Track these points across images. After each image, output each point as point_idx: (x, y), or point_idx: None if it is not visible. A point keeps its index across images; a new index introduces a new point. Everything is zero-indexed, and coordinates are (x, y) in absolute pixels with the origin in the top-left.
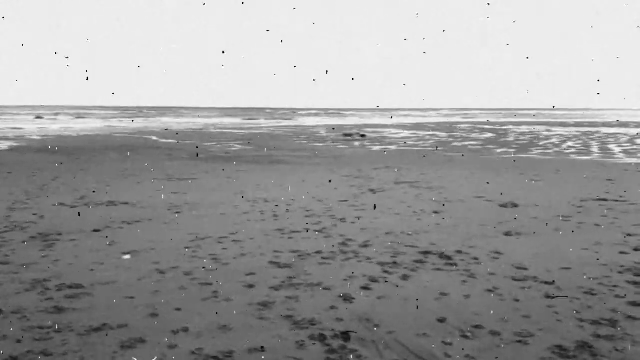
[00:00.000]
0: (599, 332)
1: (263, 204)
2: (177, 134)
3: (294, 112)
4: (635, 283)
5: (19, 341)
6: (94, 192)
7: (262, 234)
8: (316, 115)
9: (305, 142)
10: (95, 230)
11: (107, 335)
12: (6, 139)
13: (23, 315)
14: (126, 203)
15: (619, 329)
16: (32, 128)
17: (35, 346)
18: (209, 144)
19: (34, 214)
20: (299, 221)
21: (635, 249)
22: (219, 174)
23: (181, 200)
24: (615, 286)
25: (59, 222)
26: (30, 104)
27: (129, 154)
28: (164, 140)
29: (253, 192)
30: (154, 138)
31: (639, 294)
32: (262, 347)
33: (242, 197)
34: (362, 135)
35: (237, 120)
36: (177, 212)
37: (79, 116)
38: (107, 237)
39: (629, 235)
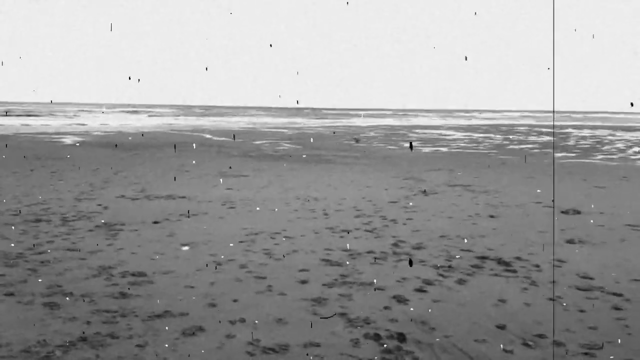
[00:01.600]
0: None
1: (313, 202)
2: (234, 135)
3: (335, 111)
4: None
5: (88, 323)
6: (152, 186)
7: (313, 231)
8: (361, 116)
9: (353, 142)
10: (155, 222)
11: (169, 321)
12: (72, 134)
13: (91, 299)
14: (183, 197)
15: None
16: (94, 124)
17: (103, 328)
18: (259, 142)
19: (99, 205)
20: (349, 220)
21: None
22: (269, 171)
23: (235, 196)
24: None
25: (122, 213)
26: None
27: (185, 150)
28: (217, 138)
29: (303, 190)
30: (208, 136)
31: None
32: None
33: (293, 195)
34: (356, 140)
35: (282, 120)
36: (231, 207)
37: (134, 113)
38: (166, 228)
39: None
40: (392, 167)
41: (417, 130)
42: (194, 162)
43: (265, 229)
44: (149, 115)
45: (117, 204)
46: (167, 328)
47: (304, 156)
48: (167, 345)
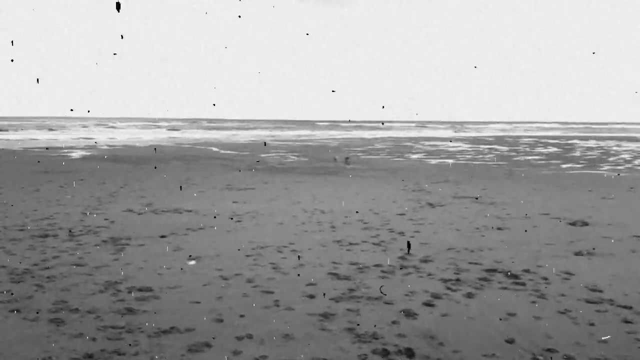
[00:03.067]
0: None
1: (320, 215)
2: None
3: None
4: None
5: (94, 339)
6: (159, 199)
7: (320, 245)
8: (363, 128)
9: (360, 154)
10: (161, 236)
11: (175, 337)
12: (79, 148)
13: (97, 315)
14: (190, 211)
15: None
16: (102, 138)
17: (108, 345)
18: (265, 155)
19: (105, 219)
20: (356, 233)
21: None
22: (276, 184)
23: (241, 209)
24: None
25: (128, 227)
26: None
27: (191, 164)
28: (224, 151)
29: (309, 203)
30: (214, 149)
31: None
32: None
33: (300, 207)
34: (347, 158)
35: (289, 133)
36: (238, 221)
37: (144, 127)
38: (173, 243)
39: None
40: (399, 179)
41: (423, 142)
42: (201, 175)
43: (272, 243)
44: (156, 128)
45: (124, 218)
46: (173, 344)
47: (310, 169)
48: None
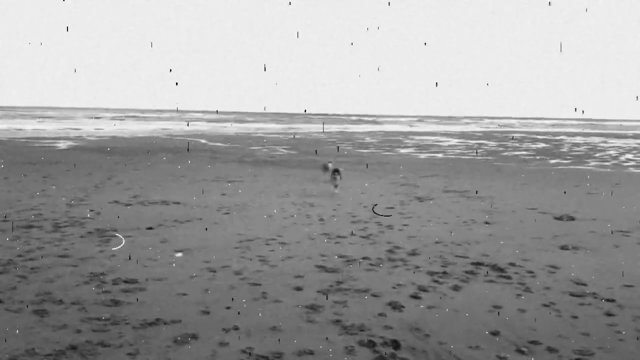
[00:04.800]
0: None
1: (309, 208)
2: (236, 134)
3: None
4: None
5: (78, 331)
6: (146, 191)
7: (308, 237)
8: (357, 122)
9: (350, 148)
10: (148, 228)
11: (161, 329)
12: (66, 138)
13: (82, 306)
14: (178, 202)
15: None
16: (89, 129)
17: (93, 337)
18: (255, 148)
19: (91, 210)
20: (345, 226)
21: None
22: (265, 177)
23: (230, 202)
24: None
25: (115, 219)
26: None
27: (180, 155)
28: (213, 144)
29: (298, 195)
30: (203, 141)
31: None
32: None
33: (289, 200)
34: (336, 171)
35: (280, 126)
36: (226, 213)
37: (131, 118)
38: (160, 234)
39: None
40: (388, 173)
41: (413, 137)
42: (189, 167)
43: (261, 235)
44: (144, 120)
45: (110, 210)
46: (158, 336)
47: (299, 162)
48: (158, 354)
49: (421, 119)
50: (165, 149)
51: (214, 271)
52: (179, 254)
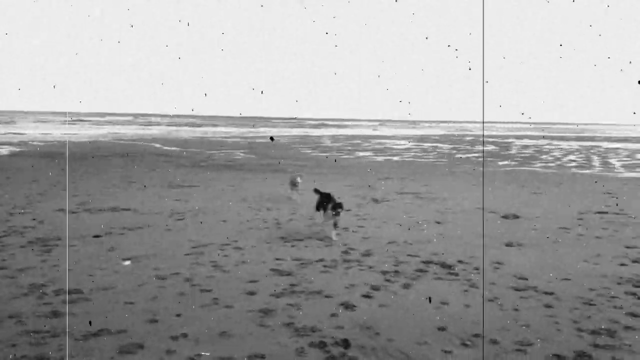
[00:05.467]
0: (598, 342)
1: (266, 212)
2: (187, 141)
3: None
4: (633, 294)
5: (13, 345)
6: (94, 198)
7: (264, 241)
8: (317, 126)
9: (309, 151)
10: (95, 236)
11: (105, 340)
12: (8, 144)
13: (19, 319)
14: (128, 209)
15: (617, 338)
16: (34, 133)
17: (30, 350)
18: (212, 152)
19: (34, 219)
20: (301, 230)
21: (635, 261)
22: (222, 181)
23: (183, 207)
24: (614, 297)
25: (59, 228)
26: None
27: (131, 160)
28: (167, 148)
29: (256, 200)
30: (157, 145)
31: (637, 305)
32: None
33: (246, 205)
34: (294, 185)
35: (240, 130)
36: (179, 219)
37: (78, 122)
38: (107, 243)
39: (628, 247)
40: (346, 176)
41: (371, 140)
42: (140, 173)
43: (215, 241)
44: (94, 124)
45: (55, 218)
46: (103, 347)
47: (258, 166)
48: None
49: (382, 123)
50: (116, 154)
51: (164, 278)
52: (127, 262)
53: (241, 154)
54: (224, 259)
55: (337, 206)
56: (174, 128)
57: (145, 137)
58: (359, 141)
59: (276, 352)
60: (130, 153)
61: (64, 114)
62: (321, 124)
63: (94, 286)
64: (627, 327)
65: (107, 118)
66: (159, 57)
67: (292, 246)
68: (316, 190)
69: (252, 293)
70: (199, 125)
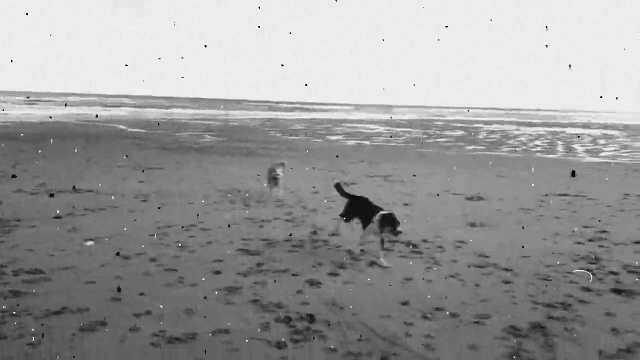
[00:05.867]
0: (552, 314)
1: (234, 194)
2: (158, 123)
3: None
4: (588, 270)
5: None
6: (55, 179)
7: (232, 222)
8: (291, 110)
9: (280, 134)
10: (56, 217)
11: (66, 318)
12: None
13: None
14: (90, 191)
15: (570, 311)
16: None
17: None
18: (179, 134)
19: None
20: (269, 211)
21: (591, 240)
22: (189, 164)
23: (149, 189)
24: (569, 273)
25: (18, 209)
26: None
27: (95, 142)
28: (132, 130)
29: (224, 182)
30: (122, 127)
31: (590, 279)
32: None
33: (213, 187)
34: (274, 180)
35: (210, 112)
36: (143, 201)
37: (36, 103)
38: (68, 224)
39: (586, 227)
40: (317, 160)
41: (343, 124)
42: (104, 154)
43: (180, 222)
44: (59, 105)
45: (14, 199)
46: (63, 325)
47: (226, 148)
48: (62, 343)
49: (358, 107)
50: (78, 135)
51: (127, 258)
52: (90, 243)
53: (210, 137)
54: (190, 239)
55: (391, 221)
56: (141, 109)
57: (110, 118)
58: (330, 125)
59: (241, 328)
60: (93, 134)
61: (23, 93)
62: (295, 107)
63: (55, 266)
64: (581, 301)
65: (71, 98)
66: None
67: (260, 227)
68: (341, 190)
69: (217, 272)
70: (167, 107)
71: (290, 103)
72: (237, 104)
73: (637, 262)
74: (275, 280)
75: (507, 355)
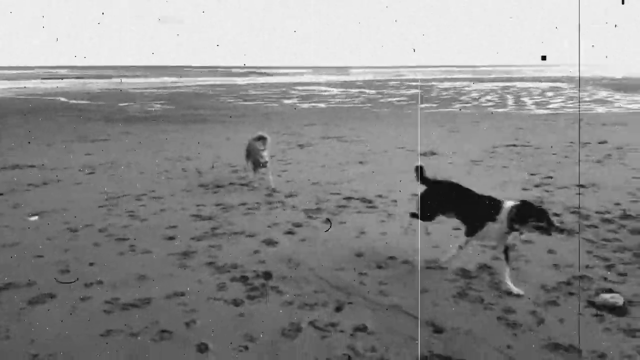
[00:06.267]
0: (498, 255)
1: (186, 162)
2: (103, 94)
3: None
4: None
5: None
6: None
7: (185, 190)
8: (245, 74)
9: (233, 100)
10: None
11: (13, 293)
12: None
13: None
14: (32, 166)
15: (515, 251)
16: None
17: None
18: (126, 104)
19: None
20: (223, 177)
21: (536, 186)
22: (138, 134)
23: (94, 161)
24: None
25: None
26: None
27: (34, 116)
28: (75, 101)
29: (175, 151)
30: (63, 99)
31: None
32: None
33: (163, 156)
34: (258, 163)
35: (158, 80)
36: (90, 173)
37: None
38: (10, 200)
39: (532, 174)
40: (271, 124)
41: (297, 87)
42: (44, 128)
43: (130, 192)
44: None
45: None
46: (10, 299)
47: (177, 117)
48: (10, 317)
49: (314, 70)
50: (17, 110)
51: (75, 231)
52: (34, 218)
53: (159, 106)
54: (141, 208)
55: (534, 213)
56: (82, 80)
57: (50, 90)
58: (285, 89)
59: (196, 289)
60: (32, 108)
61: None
62: (249, 72)
63: None
64: (525, 241)
65: (5, 72)
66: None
67: (214, 193)
68: (422, 176)
69: (171, 238)
70: (109, 77)
71: (244, 68)
72: (186, 70)
73: (577, 204)
74: (231, 242)
75: (456, 294)
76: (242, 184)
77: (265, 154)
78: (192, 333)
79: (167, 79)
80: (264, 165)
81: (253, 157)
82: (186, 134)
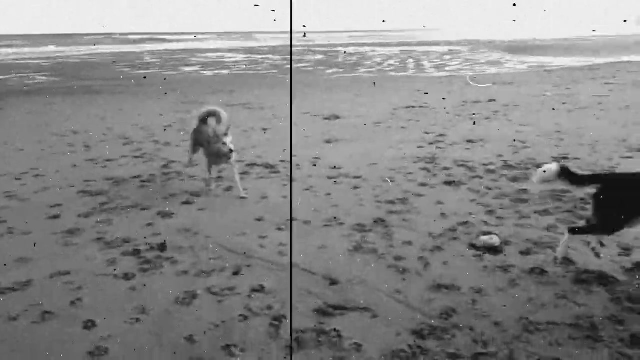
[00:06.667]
0: (392, 209)
1: (72, 136)
2: None
3: (101, 37)
4: (425, 169)
5: None
6: None
7: (71, 165)
8: (140, 42)
9: (128, 69)
10: None
11: None
12: None
13: None
14: None
15: (408, 205)
16: None
17: None
18: (1, 77)
19: None
20: (115, 149)
21: (430, 144)
22: (16, 109)
23: None
24: (410, 173)
25: None
26: None
27: None
28: None
29: (60, 125)
30: None
31: (426, 177)
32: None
33: (47, 131)
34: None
35: (40, 49)
36: None
37: None
38: None
39: (427, 133)
40: (170, 93)
41: (198, 55)
42: None
43: (8, 172)
44: None
45: None
46: None
47: (63, 89)
48: None
49: (218, 36)
50: None
51: None
52: None
53: (42, 77)
54: (21, 187)
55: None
56: None
57: None
58: (185, 56)
59: (83, 267)
60: None
61: None
62: (145, 38)
63: None
64: (417, 195)
65: None
66: None
67: (104, 167)
68: (572, 176)
69: (55, 217)
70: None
71: (140, 34)
72: (70, 38)
73: (465, 157)
74: (122, 217)
75: (352, 248)
76: (136, 157)
77: (228, 139)
78: (79, 311)
79: (52, 48)
80: (228, 157)
81: (208, 148)
82: (74, 108)
